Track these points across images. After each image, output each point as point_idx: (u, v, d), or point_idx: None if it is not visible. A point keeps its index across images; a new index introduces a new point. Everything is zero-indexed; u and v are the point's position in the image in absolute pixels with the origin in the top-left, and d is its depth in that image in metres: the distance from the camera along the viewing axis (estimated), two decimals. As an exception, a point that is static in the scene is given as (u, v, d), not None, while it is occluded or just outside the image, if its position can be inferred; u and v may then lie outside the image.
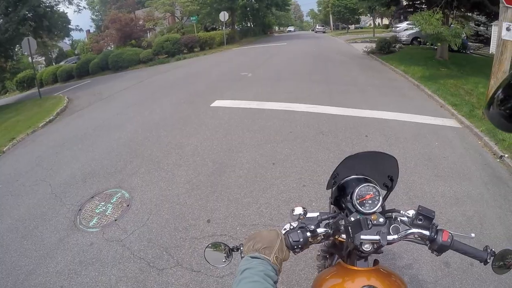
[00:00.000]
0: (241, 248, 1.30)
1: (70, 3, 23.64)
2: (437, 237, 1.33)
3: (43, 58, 42.03)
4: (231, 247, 1.35)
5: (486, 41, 21.43)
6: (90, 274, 3.57)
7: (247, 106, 8.91)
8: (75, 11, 37.18)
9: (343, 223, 1.35)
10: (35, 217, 4.82)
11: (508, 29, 6.58)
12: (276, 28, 72.11)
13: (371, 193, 1.49)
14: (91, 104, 12.58)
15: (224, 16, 28.70)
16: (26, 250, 4.14)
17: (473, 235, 1.42)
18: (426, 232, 1.36)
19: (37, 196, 5.43)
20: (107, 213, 4.66)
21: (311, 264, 3.31)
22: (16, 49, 21.11)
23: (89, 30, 52.91)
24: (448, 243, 1.32)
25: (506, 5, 6.51)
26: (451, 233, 1.34)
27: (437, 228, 1.36)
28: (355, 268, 1.42)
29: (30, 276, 3.69)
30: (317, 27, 64.08)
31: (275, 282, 1.11)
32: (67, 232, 4.37)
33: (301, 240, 1.30)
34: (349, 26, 54.43)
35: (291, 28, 76.68)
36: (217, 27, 40.14)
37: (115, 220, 4.46)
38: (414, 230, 1.37)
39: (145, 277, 3.44)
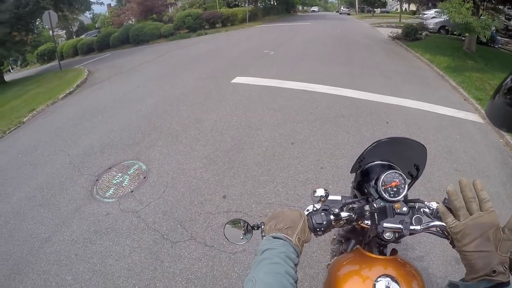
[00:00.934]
0: (262, 226, 1.24)
1: (92, -24, 23.53)
2: None
3: (64, 31, 42.25)
4: (252, 225, 1.31)
5: (517, 37, 20.77)
6: (105, 244, 3.60)
7: (268, 84, 8.80)
8: (96, -15, 37.01)
9: (369, 209, 1.32)
10: (53, 186, 4.87)
11: None
12: (300, 7, 71.04)
13: (397, 180, 1.44)
14: (111, 77, 12.60)
15: (247, -8, 28.36)
16: (43, 218, 4.19)
17: None
18: None
19: (55, 166, 5.48)
20: (123, 184, 4.67)
21: (324, 247, 3.29)
22: (37, 23, 21.15)
23: (110, 4, 52.72)
24: None
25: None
26: None
27: None
28: (373, 256, 1.40)
29: (46, 244, 3.73)
30: (342, 8, 62.89)
31: (296, 265, 1.07)
32: (84, 202, 4.41)
33: (324, 223, 1.26)
34: (375, 9, 53.21)
35: (315, 8, 75.42)
36: (239, 3, 39.66)
37: (131, 192, 4.48)
38: (437, 222, 1.31)
39: (159, 249, 3.45)
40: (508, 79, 0.88)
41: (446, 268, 3.15)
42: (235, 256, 3.29)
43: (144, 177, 4.78)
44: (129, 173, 4.94)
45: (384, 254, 1.42)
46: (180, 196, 4.28)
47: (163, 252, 3.41)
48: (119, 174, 4.94)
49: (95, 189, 4.64)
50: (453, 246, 1.28)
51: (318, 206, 1.36)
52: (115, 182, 4.76)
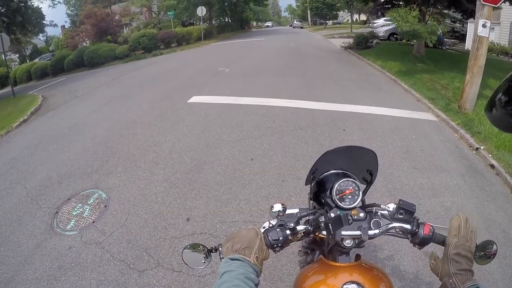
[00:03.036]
0: (220, 249, 1.26)
1: (45, -3, 23.00)
2: (418, 231, 1.34)
3: (17, 55, 41.05)
4: (209, 248, 1.31)
5: (462, 37, 21.97)
6: (70, 279, 3.51)
7: (224, 102, 8.88)
8: (49, 6, 36.30)
9: (323, 219, 1.35)
10: (11, 222, 4.70)
11: (484, 25, 6.76)
12: (254, 23, 72.02)
13: (351, 188, 1.49)
14: (66, 102, 12.32)
15: (201, 11, 28.50)
16: (3, 257, 4.03)
17: None
18: (408, 226, 1.36)
19: (12, 200, 5.30)
20: (84, 215, 4.58)
21: (293, 259, 3.33)
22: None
23: (64, 25, 51.80)
24: (430, 236, 1.33)
25: (483, 2, 6.72)
26: (432, 226, 1.35)
27: (418, 221, 1.37)
28: (337, 264, 1.41)
29: (9, 285, 3.59)
30: (295, 22, 64.40)
31: (256, 285, 1.09)
32: (45, 237, 4.28)
33: (280, 238, 1.28)
34: (327, 21, 54.59)
35: (269, 24, 76.59)
36: (194, 22, 39.79)
37: (93, 222, 4.40)
38: (395, 224, 1.37)
39: (126, 280, 3.41)
40: (500, 94, 0.94)
41: (417, 263, 3.29)
42: (204, 279, 3.30)
43: (105, 206, 4.71)
44: (89, 202, 4.86)
45: (348, 261, 1.42)
46: (143, 223, 4.25)
47: (131, 283, 3.37)
48: (79, 205, 4.84)
49: (55, 222, 4.53)
50: (414, 245, 1.38)
51: (274, 222, 1.37)
52: (75, 213, 4.66)
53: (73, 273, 3.60)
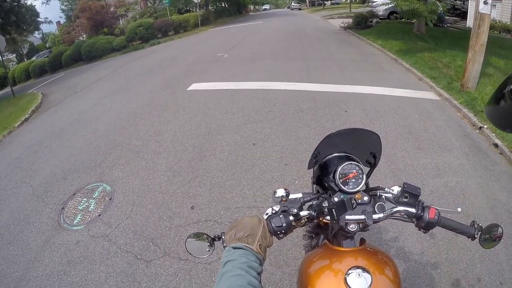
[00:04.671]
0: (223, 237, 1.25)
1: (38, -6, 22.91)
2: (423, 215, 1.32)
3: (14, 55, 40.93)
4: (212, 237, 1.31)
5: (463, 15, 21.60)
6: (80, 273, 3.56)
7: (224, 88, 8.86)
8: (43, 3, 35.98)
9: (327, 204, 1.34)
10: (19, 221, 4.74)
11: (485, 2, 6.63)
12: (251, 7, 71.18)
13: (354, 171, 1.46)
14: (66, 98, 12.30)
15: (197, -3, 28.20)
16: (14, 256, 4.07)
17: (459, 209, 1.41)
18: (413, 210, 1.34)
19: (19, 199, 5.33)
20: (90, 209, 4.62)
21: (298, 243, 3.34)
22: (-16, 48, 20.46)
23: (59, 21, 51.32)
24: (435, 220, 1.31)
25: (484, -21, 6.55)
26: (437, 210, 1.34)
27: (424, 205, 1.35)
28: (342, 249, 1.41)
29: (21, 283, 3.64)
30: (292, 4, 63.57)
31: (259, 273, 1.08)
32: (52, 233, 4.32)
33: (284, 225, 1.27)
34: (326, 2, 53.95)
35: (267, 6, 75.64)
36: (190, 9, 39.34)
37: (99, 215, 4.44)
38: (400, 208, 1.36)
39: (134, 270, 3.44)
40: (510, 86, 0.91)
41: (422, 244, 3.29)
42: (211, 266, 3.32)
43: (110, 199, 4.74)
44: (94, 196, 4.89)
45: (353, 246, 1.42)
46: (148, 213, 4.27)
47: (139, 273, 3.40)
48: (84, 199, 4.88)
49: (62, 218, 4.56)
50: (419, 229, 1.36)
51: (276, 208, 1.36)
52: (81, 208, 4.69)
53: (82, 267, 3.64)
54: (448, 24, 19.51)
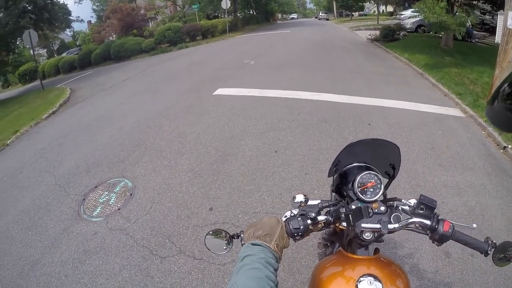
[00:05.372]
0: (242, 235, 1.29)
1: (71, -6, 23.50)
2: (438, 227, 1.32)
3: (45, 50, 41.98)
4: (231, 234, 1.34)
5: (492, 30, 21.19)
6: (94, 263, 3.62)
7: (249, 94, 8.89)
8: (75, 2, 36.89)
9: (344, 211, 1.35)
10: (40, 208, 4.86)
11: None
12: (279, 15, 71.66)
13: (373, 181, 1.49)
14: (93, 94, 12.58)
15: (226, 3, 28.45)
16: (31, 241, 4.19)
17: (474, 225, 1.41)
18: (427, 222, 1.35)
19: (41, 188, 5.47)
20: (110, 203, 4.70)
21: (313, 252, 3.32)
22: (18, 42, 21.10)
23: (90, 21, 52.59)
24: (449, 233, 1.31)
25: (513, -7, 6.42)
26: (452, 223, 1.34)
27: (439, 218, 1.35)
28: (356, 256, 1.42)
29: (36, 266, 3.74)
30: (320, 14, 63.73)
31: (276, 270, 1.11)
32: (71, 222, 4.41)
33: (301, 227, 1.29)
34: (353, 13, 53.71)
35: (294, 15, 76.21)
36: (219, 15, 39.86)
37: (119, 209, 4.50)
38: (415, 219, 1.36)
39: (148, 265, 3.48)
40: (505, 85, 0.91)
41: (437, 263, 3.22)
42: (224, 267, 3.33)
43: (131, 194, 4.80)
44: (115, 191, 4.97)
45: (367, 254, 1.43)
46: (167, 211, 4.31)
47: (153, 268, 3.43)
48: (105, 193, 4.96)
49: (82, 209, 4.65)
50: (433, 241, 1.36)
51: (295, 211, 1.38)
52: (101, 200, 4.78)
53: (98, 257, 3.70)
54: (476, 39, 19.20)
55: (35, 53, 18.82)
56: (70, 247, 3.93)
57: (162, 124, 7.35)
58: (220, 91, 9.45)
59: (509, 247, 1.27)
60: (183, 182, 4.95)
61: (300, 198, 1.53)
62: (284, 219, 1.34)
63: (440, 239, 1.33)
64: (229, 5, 29.37)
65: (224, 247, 1.34)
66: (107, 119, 8.51)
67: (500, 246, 1.28)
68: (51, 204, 4.93)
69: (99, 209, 4.59)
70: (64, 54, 34.72)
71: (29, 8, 19.62)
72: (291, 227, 1.29)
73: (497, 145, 5.73)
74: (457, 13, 12.39)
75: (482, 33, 21.70)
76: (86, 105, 11.08)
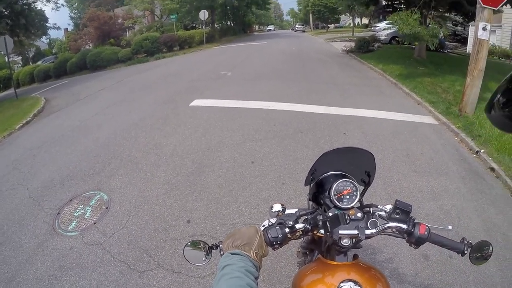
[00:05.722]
0: (220, 245, 1.30)
1: (48, 0, 23.07)
2: (414, 230, 1.37)
3: (20, 57, 41.19)
4: (210, 245, 1.35)
5: (463, 41, 21.97)
6: (71, 279, 3.55)
7: (226, 105, 8.93)
8: (53, 9, 36.16)
9: (321, 218, 1.38)
10: (13, 223, 4.74)
11: (484, 28, 6.78)
12: (256, 27, 72.25)
13: (349, 188, 1.53)
14: (69, 104, 12.37)
15: (204, 14, 28.56)
16: (5, 257, 4.07)
17: (450, 227, 1.48)
18: (404, 226, 1.39)
19: (14, 201, 5.34)
20: (86, 216, 4.63)
21: (292, 261, 3.35)
22: (-8, 48, 20.65)
23: (67, 28, 51.86)
24: (426, 236, 1.36)
25: (483, 5, 6.72)
26: (428, 226, 1.38)
27: (414, 221, 1.40)
28: (335, 263, 1.45)
29: (10, 284, 3.63)
30: (296, 26, 64.39)
31: (256, 278, 1.12)
32: (46, 237, 4.32)
33: (279, 236, 1.32)
34: (329, 25, 54.65)
35: (271, 27, 76.73)
36: (197, 25, 39.88)
37: (94, 223, 4.44)
38: (391, 224, 1.41)
39: (126, 280, 3.44)
40: (498, 95, 0.94)
41: (416, 266, 3.31)
42: (204, 280, 3.33)
43: (107, 208, 4.75)
44: (90, 204, 4.90)
45: (346, 260, 1.46)
46: (144, 224, 4.28)
47: (131, 283, 3.40)
48: (80, 206, 4.88)
49: (57, 223, 4.57)
50: (410, 244, 1.41)
51: (273, 220, 1.41)
52: (77, 214, 4.70)
53: (74, 273, 3.63)
54: (448, 50, 19.82)
55: (9, 60, 18.44)
56: (46, 263, 3.85)
57: (138, 136, 7.30)
58: (196, 102, 9.46)
59: (485, 246, 1.34)
60: (159, 195, 4.92)
61: (277, 207, 1.55)
62: (262, 228, 1.37)
63: (417, 242, 1.38)
64: (207, 16, 29.47)
65: (203, 258, 1.36)
66: (82, 130, 8.38)
67: (476, 245, 1.34)
68: (25, 218, 4.82)
69: (75, 223, 4.52)
70: (39, 62, 34.12)
71: (6, 13, 19.23)
72: (269, 235, 1.31)
73: (470, 150, 5.95)
74: (430, 25, 12.79)
75: (454, 43, 22.44)
76: (61, 115, 10.88)
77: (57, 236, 4.32)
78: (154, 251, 3.81)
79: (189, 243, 1.38)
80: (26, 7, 20.70)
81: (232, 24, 48.75)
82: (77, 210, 4.80)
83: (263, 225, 1.40)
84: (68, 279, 3.56)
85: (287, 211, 1.53)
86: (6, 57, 17.31)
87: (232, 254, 1.18)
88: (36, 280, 3.62)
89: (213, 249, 1.35)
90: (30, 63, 38.20)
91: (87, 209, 4.78)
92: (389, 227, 1.41)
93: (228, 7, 42.76)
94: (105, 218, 4.54)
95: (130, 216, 4.50)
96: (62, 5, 36.06)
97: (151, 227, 4.23)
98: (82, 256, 3.89)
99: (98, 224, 4.42)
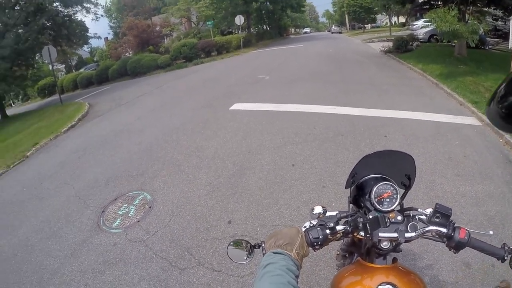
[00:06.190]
0: (263, 245, 1.32)
1: (88, 12, 23.89)
2: (454, 235, 1.34)
3: (63, 65, 42.99)
4: (252, 244, 1.38)
5: (505, 36, 20.95)
6: (114, 273, 3.66)
7: (265, 109, 8.94)
8: (92, 19, 37.74)
9: (362, 220, 1.37)
10: (60, 219, 4.96)
11: None
12: (292, 30, 72.33)
13: (389, 191, 1.51)
14: (111, 109, 12.79)
15: (239, 19, 28.87)
16: (51, 250, 4.27)
17: (491, 232, 1.40)
18: (444, 230, 1.36)
19: (61, 199, 5.58)
20: (129, 215, 4.76)
21: (331, 264, 3.30)
22: (37, 58, 21.65)
23: (107, 37, 53.85)
24: (466, 240, 1.32)
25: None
26: (468, 231, 1.35)
27: (454, 225, 1.37)
28: (374, 265, 1.45)
29: (55, 275, 3.80)
30: (333, 27, 63.99)
31: (297, 276, 1.13)
32: (91, 233, 4.48)
33: (320, 237, 1.33)
34: (365, 25, 53.81)
35: (307, 30, 76.66)
36: (233, 30, 40.38)
37: (138, 221, 4.56)
38: (431, 227, 1.38)
39: (167, 276, 3.50)
40: (501, 88, 0.92)
41: (457, 273, 3.17)
42: (243, 279, 3.33)
43: (150, 207, 4.86)
44: (134, 203, 5.03)
45: (385, 263, 1.45)
46: (186, 224, 4.35)
47: (171, 279, 3.45)
48: (124, 205, 5.03)
49: (101, 220, 4.72)
50: (450, 249, 1.37)
51: (314, 222, 1.41)
52: (121, 213, 4.84)
53: (117, 268, 3.75)
54: (490, 46, 18.99)
55: (53, 68, 19.29)
56: (90, 257, 3.99)
57: (180, 139, 7.44)
58: (236, 106, 9.54)
59: None
60: (201, 196, 4.98)
61: (318, 209, 1.54)
62: (303, 229, 1.37)
63: (456, 246, 1.34)
64: (242, 21, 29.78)
65: (245, 257, 1.38)
66: (125, 134, 8.64)
67: None
68: (71, 215, 5.02)
69: (119, 221, 4.65)
70: (82, 70, 35.47)
71: (48, 24, 20.24)
72: (311, 236, 1.32)
73: (516, 152, 5.67)
74: (469, 21, 12.32)
75: (495, 39, 21.49)
76: (104, 119, 11.27)
77: (102, 232, 4.47)
78: (195, 250, 3.85)
79: (232, 242, 1.42)
80: (67, 18, 21.76)
81: (268, 28, 49.01)
82: (121, 209, 4.94)
83: (305, 226, 1.40)
84: (111, 273, 3.67)
85: (328, 213, 1.53)
86: (50, 66, 18.11)
87: (275, 253, 1.19)
88: (81, 273, 3.76)
89: (256, 248, 1.37)
90: (73, 70, 39.73)
91: (131, 208, 4.91)
92: (428, 230, 1.39)
93: (263, 12, 42.98)
94: (148, 217, 4.64)
95: (173, 215, 4.58)
96: (102, 15, 37.00)
97: (193, 226, 4.28)
98: (125, 252, 4.00)
99: (142, 223, 4.52)
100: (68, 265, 3.92)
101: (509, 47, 18.10)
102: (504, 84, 0.92)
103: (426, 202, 4.27)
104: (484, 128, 6.69)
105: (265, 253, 1.25)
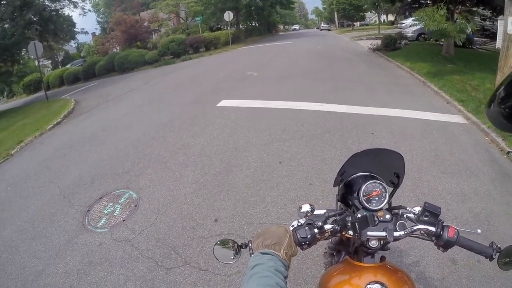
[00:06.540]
0: (250, 244, 1.30)
1: (75, 6, 23.62)
2: (443, 233, 1.34)
3: (49, 61, 42.50)
4: (239, 244, 1.36)
5: (492, 36, 21.17)
6: (99, 274, 3.61)
7: (253, 105, 8.93)
8: (80, 14, 37.37)
9: (350, 219, 1.36)
10: (44, 219, 4.88)
11: None
12: (281, 26, 72.28)
13: (378, 189, 1.50)
14: (98, 105, 12.66)
15: (228, 15, 28.74)
16: (36, 251, 4.20)
17: (479, 231, 1.41)
18: (432, 228, 1.36)
19: (45, 198, 5.49)
20: (115, 214, 4.70)
21: (319, 262, 3.30)
22: (23, 53, 21.34)
23: (94, 32, 53.30)
24: (454, 239, 1.33)
25: (512, -2, 6.46)
26: (457, 229, 1.35)
27: (443, 224, 1.37)
28: (362, 264, 1.43)
29: (40, 277, 3.74)
30: (321, 25, 64.11)
31: (285, 277, 1.12)
32: (76, 233, 4.42)
33: (308, 236, 1.31)
34: (354, 23, 54.11)
35: (296, 26, 76.57)
36: (222, 27, 40.21)
37: (123, 221, 4.50)
38: (420, 226, 1.38)
39: (153, 276, 3.47)
40: (501, 89, 0.92)
41: (443, 270, 3.20)
42: (230, 278, 3.32)
43: (135, 206, 4.81)
44: (120, 202, 4.97)
45: (373, 262, 1.45)
46: (172, 222, 4.31)
47: (158, 279, 3.42)
48: (110, 204, 4.97)
49: (86, 220, 4.66)
50: (438, 247, 1.37)
51: (302, 221, 1.40)
52: (106, 212, 4.78)
53: (102, 268, 3.70)
54: (477, 46, 19.20)
55: (40, 64, 19.02)
56: (75, 258, 3.93)
57: (167, 136, 7.39)
58: (224, 103, 9.51)
59: None
60: (187, 194, 4.95)
61: (306, 208, 1.53)
62: (291, 228, 1.36)
63: (445, 245, 1.35)
64: (231, 17, 29.65)
65: (232, 257, 1.36)
66: (111, 130, 8.55)
67: (505, 250, 1.29)
68: (56, 214, 4.94)
69: (104, 220, 4.60)
70: (68, 66, 35.07)
71: (35, 19, 19.91)
72: (299, 236, 1.30)
73: (501, 150, 5.70)
74: (457, 20, 12.40)
75: (483, 39, 21.72)
76: (90, 116, 11.15)
77: (87, 232, 4.41)
78: (181, 249, 3.82)
79: (218, 242, 1.39)
80: (54, 13, 21.40)
81: (257, 25, 48.96)
82: (107, 208, 4.88)
83: (292, 225, 1.39)
84: (96, 274, 3.62)
85: (316, 212, 1.52)
86: (36, 61, 17.86)
87: (262, 253, 1.17)
88: (65, 274, 3.71)
89: (243, 248, 1.35)
90: (60, 66, 39.27)
91: (117, 207, 4.86)
92: (417, 229, 1.39)
93: (252, 8, 42.97)
94: (134, 215, 4.59)
95: (159, 214, 4.54)
96: (89, 10, 36.74)
97: (179, 225, 4.25)
98: (110, 252, 3.95)
99: (127, 222, 4.47)
100: (52, 266, 3.86)
101: (496, 47, 18.27)
102: (504, 85, 0.91)
103: (413, 199, 4.30)
104: (470, 126, 6.75)
105: (253, 253, 1.23)
